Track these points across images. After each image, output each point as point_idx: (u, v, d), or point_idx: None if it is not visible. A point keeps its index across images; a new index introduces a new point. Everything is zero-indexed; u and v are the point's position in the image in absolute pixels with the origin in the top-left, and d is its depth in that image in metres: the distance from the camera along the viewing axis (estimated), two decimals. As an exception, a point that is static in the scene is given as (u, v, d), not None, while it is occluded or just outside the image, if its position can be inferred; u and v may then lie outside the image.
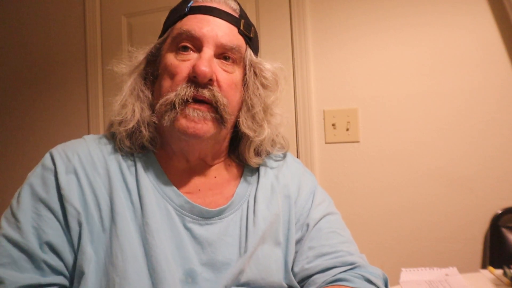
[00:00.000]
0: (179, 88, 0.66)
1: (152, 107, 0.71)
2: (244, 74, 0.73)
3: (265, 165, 0.80)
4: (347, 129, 1.56)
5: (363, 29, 1.55)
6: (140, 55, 0.75)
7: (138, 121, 0.69)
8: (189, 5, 0.72)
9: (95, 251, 0.62)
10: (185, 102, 0.66)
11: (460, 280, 0.94)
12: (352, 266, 0.72)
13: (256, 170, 0.79)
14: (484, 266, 1.39)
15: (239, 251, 0.69)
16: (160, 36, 0.76)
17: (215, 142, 0.74)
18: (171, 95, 0.67)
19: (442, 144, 1.46)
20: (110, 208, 0.65)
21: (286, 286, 0.71)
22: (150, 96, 0.72)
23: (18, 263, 0.60)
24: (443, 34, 1.46)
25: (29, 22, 2.05)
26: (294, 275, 0.73)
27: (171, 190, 0.70)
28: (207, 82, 0.66)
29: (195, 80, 0.66)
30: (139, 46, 0.77)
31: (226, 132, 0.74)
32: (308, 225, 0.75)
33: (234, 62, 0.71)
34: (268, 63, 0.76)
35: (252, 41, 0.75)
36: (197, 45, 0.69)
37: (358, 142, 1.55)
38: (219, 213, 0.70)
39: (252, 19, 1.65)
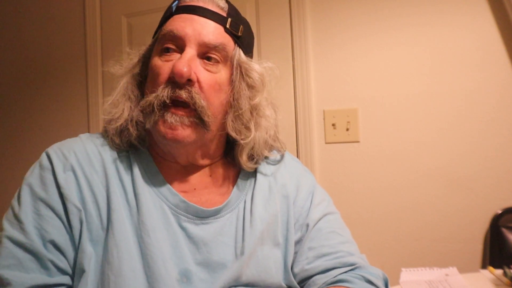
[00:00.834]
0: (159, 90, 0.66)
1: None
2: (232, 74, 0.72)
3: (262, 165, 0.80)
4: (347, 129, 1.56)
5: (363, 29, 1.55)
6: (135, 57, 0.75)
7: (126, 119, 0.69)
8: (173, 4, 0.72)
9: (94, 249, 0.62)
10: (164, 105, 0.65)
11: (460, 280, 0.94)
12: (353, 267, 0.72)
13: (254, 171, 0.79)
14: (484, 266, 1.39)
15: (235, 251, 0.68)
16: (153, 38, 0.76)
17: (201, 145, 0.72)
18: (151, 97, 0.66)
19: (442, 144, 1.46)
20: (107, 205, 0.65)
21: (285, 287, 0.71)
22: (140, 97, 0.72)
23: (24, 264, 0.59)
24: (443, 34, 1.46)
25: (29, 22, 2.05)
26: (294, 275, 0.73)
27: (166, 189, 0.69)
28: (185, 82, 0.65)
29: (174, 80, 0.65)
30: (138, 47, 0.77)
31: (212, 134, 0.72)
32: (307, 226, 0.75)
33: (219, 61, 0.70)
34: (257, 63, 0.74)
35: (241, 39, 0.73)
36: (180, 45, 0.68)
37: (358, 142, 1.55)
38: (215, 213, 0.70)
39: (252, 19, 1.67)
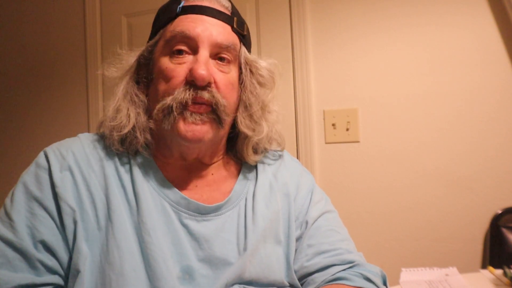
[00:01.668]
0: (176, 92, 0.65)
1: (148, 112, 0.70)
2: (240, 72, 0.72)
3: (262, 163, 0.80)
4: (347, 129, 1.56)
5: (363, 29, 1.55)
6: (131, 58, 0.74)
7: (134, 126, 0.69)
8: (180, 5, 0.70)
9: (90, 249, 0.62)
10: (184, 105, 0.65)
11: (460, 280, 0.94)
12: (351, 264, 0.72)
13: (254, 168, 0.79)
14: (484, 266, 1.39)
15: (237, 248, 0.69)
16: (150, 38, 0.74)
17: (214, 143, 0.73)
18: (168, 100, 0.66)
19: (442, 144, 1.46)
20: (106, 206, 0.64)
21: (288, 284, 0.71)
22: (145, 100, 0.71)
23: (12, 262, 0.59)
24: (443, 34, 1.46)
25: (29, 22, 2.05)
26: (294, 272, 0.73)
27: (166, 187, 0.69)
28: (205, 85, 0.66)
29: (193, 83, 0.65)
30: (132, 48, 0.75)
31: (224, 132, 0.73)
32: (307, 223, 0.75)
33: (230, 61, 0.70)
34: (263, 60, 0.75)
35: (245, 38, 0.74)
36: (192, 46, 0.67)
37: (358, 142, 1.55)
38: (216, 209, 0.70)
39: (252, 19, 1.67)
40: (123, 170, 0.68)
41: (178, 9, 0.70)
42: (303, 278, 0.73)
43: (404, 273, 1.00)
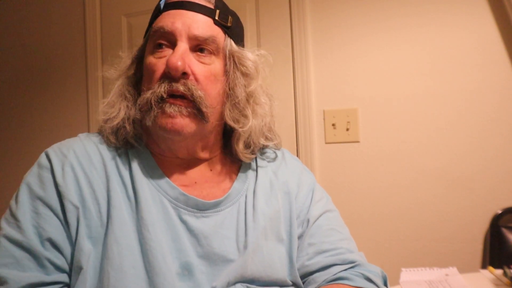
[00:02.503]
0: (155, 86, 0.67)
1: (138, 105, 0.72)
2: (225, 64, 0.72)
3: (262, 161, 0.81)
4: (347, 129, 1.56)
5: (363, 29, 1.55)
6: (128, 59, 0.76)
7: (123, 118, 0.70)
8: (161, 2, 0.73)
9: (94, 246, 0.62)
10: (162, 99, 0.66)
11: (460, 280, 0.94)
12: (352, 264, 0.72)
13: (254, 165, 0.79)
14: (484, 266, 1.39)
15: (237, 245, 0.69)
16: (144, 37, 0.77)
17: (201, 137, 0.73)
18: (148, 94, 0.67)
19: (442, 144, 1.46)
20: (107, 202, 0.65)
21: (290, 282, 0.71)
22: (136, 95, 0.73)
23: (20, 262, 0.60)
24: (443, 34, 1.46)
25: (29, 22, 2.05)
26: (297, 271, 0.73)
27: (165, 183, 0.70)
28: (181, 76, 0.66)
29: (169, 75, 0.66)
30: (129, 51, 0.78)
31: (211, 126, 0.72)
32: (308, 221, 0.76)
33: (212, 53, 0.70)
34: (250, 51, 0.75)
35: (231, 30, 0.74)
36: (171, 40, 0.69)
37: (358, 142, 1.55)
38: (215, 206, 0.70)
39: (252, 19, 1.67)
40: (123, 168, 0.69)
41: (160, 6, 0.73)
42: (304, 277, 0.73)
43: (404, 273, 1.00)
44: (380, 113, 1.53)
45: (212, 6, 0.72)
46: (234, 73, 0.72)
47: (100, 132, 0.74)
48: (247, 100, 0.73)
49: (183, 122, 0.67)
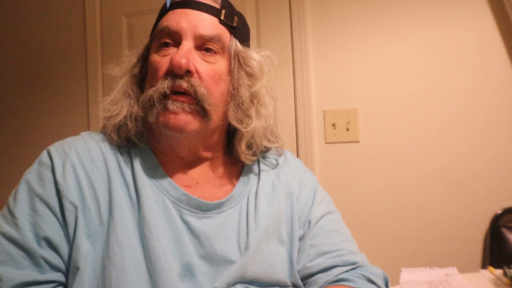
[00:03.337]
0: (158, 83, 0.67)
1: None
2: (230, 64, 0.72)
3: (265, 163, 0.80)
4: (347, 129, 1.56)
5: (363, 29, 1.55)
6: (133, 58, 0.76)
7: (125, 116, 0.70)
8: (167, 1, 0.73)
9: (93, 245, 0.62)
10: (164, 96, 0.66)
11: (460, 280, 0.94)
12: (354, 266, 0.72)
13: (257, 167, 0.79)
14: (484, 266, 1.39)
15: (238, 246, 0.69)
16: (150, 36, 0.77)
17: (203, 136, 0.73)
18: (151, 91, 0.67)
19: (442, 144, 1.46)
20: (108, 202, 0.65)
21: (290, 284, 0.71)
22: (139, 93, 0.73)
23: (16, 260, 0.59)
24: (443, 34, 1.46)
25: (29, 22, 2.05)
26: (297, 272, 0.73)
27: (167, 183, 0.69)
28: (184, 73, 0.66)
29: (173, 73, 0.66)
30: (136, 48, 0.78)
31: (214, 125, 0.72)
32: (309, 223, 0.75)
33: (217, 52, 0.70)
34: (255, 52, 0.75)
35: (237, 30, 0.73)
36: (176, 39, 0.69)
37: (358, 142, 1.55)
38: (217, 206, 0.70)
39: (252, 19, 1.67)
40: (125, 167, 0.69)
41: (167, 5, 0.73)
42: (305, 278, 0.73)
43: (404, 273, 1.00)
44: (380, 113, 1.53)
45: (218, 6, 0.72)
46: (238, 73, 0.72)
47: (103, 131, 0.74)
48: (251, 101, 0.73)
49: (186, 118, 0.66)
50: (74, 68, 1.95)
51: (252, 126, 0.72)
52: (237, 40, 0.73)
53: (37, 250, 0.60)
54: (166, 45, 0.69)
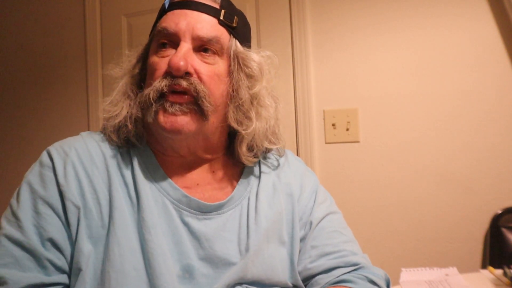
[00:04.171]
0: (156, 81, 0.66)
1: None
2: (229, 65, 0.71)
3: (265, 164, 0.80)
4: (347, 129, 1.56)
5: (363, 30, 1.55)
6: (133, 58, 0.76)
7: (125, 116, 0.70)
8: (166, 1, 0.72)
9: (94, 246, 0.62)
10: (162, 95, 0.66)
11: (460, 280, 0.94)
12: (356, 267, 0.72)
13: (258, 168, 0.78)
14: (484, 266, 1.39)
15: (239, 247, 0.68)
16: (149, 36, 0.76)
17: (203, 137, 0.72)
18: (148, 90, 0.67)
19: (442, 144, 1.46)
20: (109, 202, 0.64)
21: (291, 285, 0.71)
22: (138, 93, 0.72)
23: (21, 262, 0.59)
24: (442, 35, 1.46)
25: (29, 22, 2.05)
26: (298, 273, 0.73)
27: (168, 184, 0.69)
28: (184, 75, 0.66)
29: (171, 75, 0.66)
30: (136, 48, 0.77)
31: (214, 126, 0.71)
32: (311, 223, 0.75)
33: (216, 53, 0.70)
34: (255, 52, 0.74)
35: (236, 30, 0.72)
36: (175, 40, 0.68)
37: (358, 142, 1.55)
38: (218, 208, 0.70)
39: (252, 19, 1.67)
40: (125, 167, 0.68)
41: (165, 5, 0.72)
42: (306, 279, 0.73)
43: (404, 273, 1.00)
44: (380, 113, 1.52)
45: (217, 6, 0.71)
46: (238, 74, 0.71)
47: (103, 131, 0.74)
48: (251, 102, 0.72)
49: (183, 120, 0.66)
50: (74, 69, 1.95)
51: (252, 128, 0.71)
52: (236, 41, 0.72)
53: (42, 252, 0.60)
54: (164, 45, 0.69)
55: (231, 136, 0.78)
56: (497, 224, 1.38)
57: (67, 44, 1.97)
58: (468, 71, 1.43)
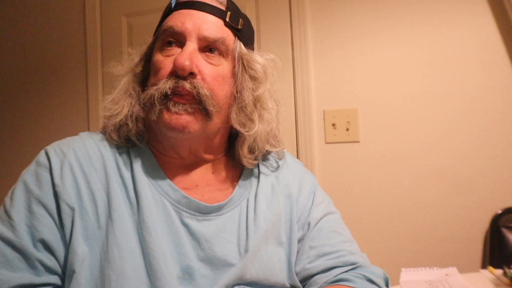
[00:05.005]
0: (160, 82, 0.66)
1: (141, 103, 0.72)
2: (234, 67, 0.72)
3: (265, 165, 0.80)
4: (347, 129, 1.56)
5: (363, 29, 1.55)
6: (136, 57, 0.76)
7: (126, 115, 0.70)
8: (172, 1, 0.72)
9: (90, 248, 0.61)
10: (166, 96, 0.66)
11: (460, 280, 0.94)
12: (354, 266, 0.72)
13: (257, 169, 0.79)
14: (484, 266, 1.39)
15: (238, 248, 0.68)
16: (153, 36, 0.76)
17: (205, 137, 0.72)
18: (152, 90, 0.67)
19: (442, 144, 1.46)
20: (107, 204, 0.64)
21: (289, 286, 0.71)
22: (140, 92, 0.72)
23: (11, 262, 0.59)
24: (443, 34, 1.46)
25: (29, 22, 2.05)
26: (295, 274, 0.73)
27: (167, 185, 0.69)
28: (187, 75, 0.66)
29: (176, 74, 0.66)
30: (138, 47, 0.77)
31: (216, 127, 0.72)
32: (309, 224, 0.75)
33: (221, 54, 0.70)
34: (259, 55, 0.75)
35: (241, 32, 0.73)
36: (181, 40, 0.68)
37: (358, 142, 1.55)
38: (217, 209, 0.70)
39: (252, 19, 1.66)
40: (124, 168, 0.68)
41: (172, 5, 0.72)
42: (305, 280, 0.73)
43: (404, 273, 1.00)
44: (380, 113, 1.52)
45: (223, 8, 0.71)
46: (242, 76, 0.71)
47: (102, 131, 0.74)
48: (254, 105, 0.72)
49: (188, 119, 0.66)
50: (74, 68, 1.95)
51: (255, 130, 0.72)
52: (241, 43, 0.72)
53: (33, 252, 0.59)
54: (170, 44, 0.69)
55: (232, 138, 0.78)
56: (497, 224, 1.38)
57: (67, 44, 1.97)
58: (469, 70, 1.43)
